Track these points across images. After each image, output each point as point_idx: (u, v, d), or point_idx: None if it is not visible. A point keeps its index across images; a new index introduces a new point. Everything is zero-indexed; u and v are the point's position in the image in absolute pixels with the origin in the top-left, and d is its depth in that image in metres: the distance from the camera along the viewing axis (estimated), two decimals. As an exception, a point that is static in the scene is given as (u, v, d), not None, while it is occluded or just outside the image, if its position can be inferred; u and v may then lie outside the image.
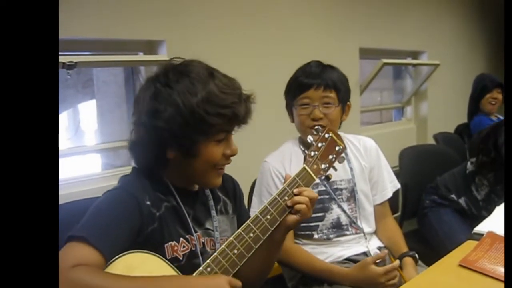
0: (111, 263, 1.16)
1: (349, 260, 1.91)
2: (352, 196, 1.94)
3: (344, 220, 1.93)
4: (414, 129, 4.34)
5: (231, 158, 1.38)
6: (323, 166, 1.50)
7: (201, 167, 1.33)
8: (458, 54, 4.68)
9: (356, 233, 1.95)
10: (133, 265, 1.18)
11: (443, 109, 4.46)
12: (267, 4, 2.95)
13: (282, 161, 1.93)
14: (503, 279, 1.37)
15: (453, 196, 2.55)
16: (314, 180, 1.46)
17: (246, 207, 1.74)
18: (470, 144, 2.63)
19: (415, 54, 4.25)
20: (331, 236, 1.91)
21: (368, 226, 1.99)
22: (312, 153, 1.50)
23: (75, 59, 1.95)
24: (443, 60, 4.17)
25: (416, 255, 1.88)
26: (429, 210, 2.60)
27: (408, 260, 1.85)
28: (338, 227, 1.92)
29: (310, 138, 1.53)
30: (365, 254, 1.93)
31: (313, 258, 1.85)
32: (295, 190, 1.40)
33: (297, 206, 1.38)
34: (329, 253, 1.90)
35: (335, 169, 1.55)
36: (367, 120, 4.32)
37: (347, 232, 1.93)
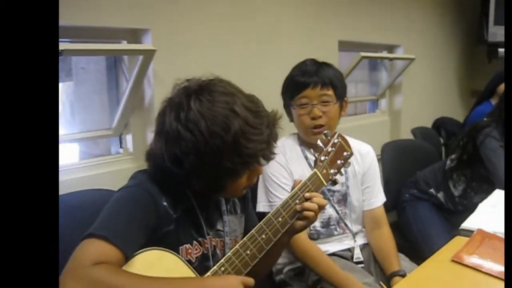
0: (130, 259, 1.16)
1: (334, 254, 1.94)
2: (344, 199, 1.97)
3: (333, 220, 1.95)
4: (388, 121, 4.40)
5: None
6: (332, 171, 1.53)
7: (229, 193, 1.40)
8: (433, 49, 4.75)
9: (344, 233, 1.97)
10: (151, 262, 1.18)
11: (417, 103, 4.53)
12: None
13: (284, 154, 1.95)
14: (493, 274, 1.43)
15: (432, 190, 2.63)
16: (324, 185, 1.50)
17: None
18: (453, 141, 2.71)
19: (391, 48, 4.29)
20: (321, 236, 1.93)
21: (357, 225, 2.01)
22: (323, 158, 1.52)
23: (61, 46, 1.88)
24: (418, 55, 4.22)
25: (407, 273, 1.87)
26: (408, 204, 2.67)
27: (397, 280, 1.85)
28: (327, 227, 1.94)
29: (320, 143, 1.55)
30: (350, 250, 1.97)
31: (332, 263, 1.85)
32: (306, 195, 1.42)
33: (306, 213, 1.41)
34: None
35: (342, 174, 1.59)
36: (341, 112, 4.35)
37: (335, 232, 1.96)
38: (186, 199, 1.35)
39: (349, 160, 1.59)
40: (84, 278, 1.03)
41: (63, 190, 1.52)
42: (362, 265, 1.94)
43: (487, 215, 1.86)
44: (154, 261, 1.19)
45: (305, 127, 1.90)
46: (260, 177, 1.94)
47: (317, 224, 1.93)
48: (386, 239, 2.00)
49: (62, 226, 1.17)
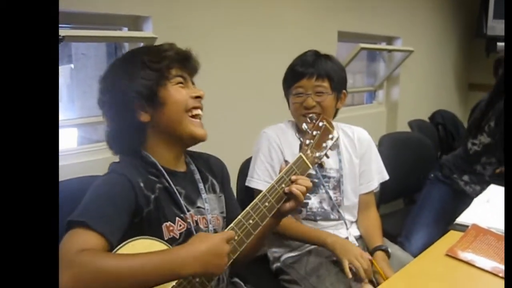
0: (117, 250, 1.18)
1: None
2: (338, 185, 2.01)
3: (328, 204, 1.99)
4: (384, 112, 4.41)
5: (203, 105, 1.47)
6: (317, 154, 1.56)
7: (173, 113, 1.40)
8: (431, 42, 4.75)
9: (339, 219, 2.00)
10: (138, 250, 1.19)
11: (414, 95, 4.54)
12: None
13: (279, 135, 2.02)
14: (487, 269, 1.45)
15: (455, 176, 2.64)
16: (310, 168, 1.53)
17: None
18: (469, 125, 2.70)
19: (390, 39, 4.30)
20: (317, 217, 1.97)
21: (350, 215, 2.06)
22: (308, 142, 1.56)
23: (62, 33, 1.89)
24: (417, 47, 4.23)
25: (389, 250, 1.94)
26: (430, 182, 2.70)
27: (379, 254, 1.91)
28: (323, 209, 1.98)
29: (305, 126, 1.60)
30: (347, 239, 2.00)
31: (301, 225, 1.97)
32: (292, 177, 1.46)
33: (293, 195, 1.44)
34: None
35: (328, 157, 1.62)
36: (339, 102, 4.36)
37: (331, 216, 1.99)
38: (161, 176, 1.40)
39: (335, 142, 1.62)
40: (71, 266, 1.05)
41: (61, 175, 1.53)
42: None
43: (481, 210, 1.88)
44: (141, 249, 1.20)
45: (298, 115, 1.96)
46: (254, 152, 2.04)
47: (313, 205, 1.97)
48: (372, 219, 2.09)
49: (60, 214, 1.19)
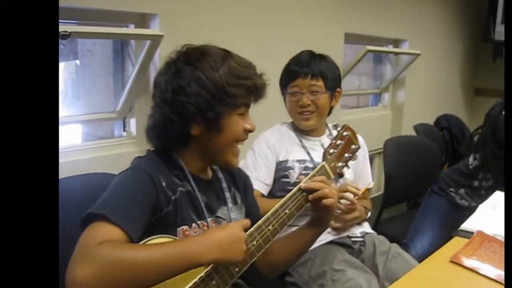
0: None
1: (333, 242, 1.97)
2: None
3: None
4: (390, 115, 4.40)
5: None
6: (339, 164, 1.58)
7: (224, 141, 1.38)
8: (438, 45, 4.74)
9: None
10: None
11: (420, 98, 4.53)
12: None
13: (278, 138, 2.06)
14: (491, 277, 1.44)
15: (451, 189, 2.64)
16: (331, 177, 1.55)
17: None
18: (477, 139, 2.71)
19: (396, 42, 4.28)
20: None
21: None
22: (331, 151, 1.57)
23: (69, 29, 1.88)
24: (424, 50, 4.22)
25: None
26: (427, 195, 2.73)
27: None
28: None
29: (330, 137, 1.69)
30: (348, 237, 2.01)
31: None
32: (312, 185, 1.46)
33: (324, 202, 1.43)
34: None
35: (348, 167, 1.65)
36: (344, 103, 4.34)
37: None
38: (185, 180, 1.38)
39: (356, 154, 1.63)
40: (91, 258, 1.04)
41: (65, 171, 1.53)
42: (361, 238, 2.03)
43: (487, 217, 1.87)
44: None
45: (294, 113, 2.03)
46: (249, 151, 2.05)
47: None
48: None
49: (65, 211, 1.19)
